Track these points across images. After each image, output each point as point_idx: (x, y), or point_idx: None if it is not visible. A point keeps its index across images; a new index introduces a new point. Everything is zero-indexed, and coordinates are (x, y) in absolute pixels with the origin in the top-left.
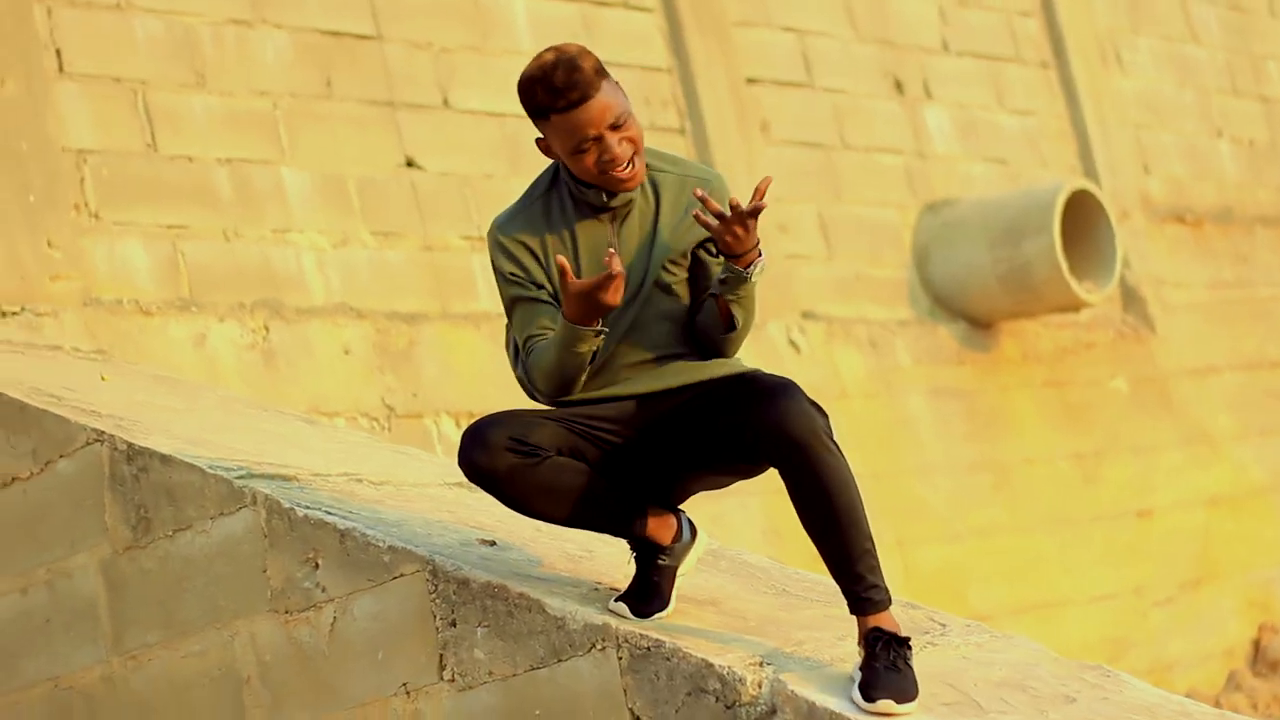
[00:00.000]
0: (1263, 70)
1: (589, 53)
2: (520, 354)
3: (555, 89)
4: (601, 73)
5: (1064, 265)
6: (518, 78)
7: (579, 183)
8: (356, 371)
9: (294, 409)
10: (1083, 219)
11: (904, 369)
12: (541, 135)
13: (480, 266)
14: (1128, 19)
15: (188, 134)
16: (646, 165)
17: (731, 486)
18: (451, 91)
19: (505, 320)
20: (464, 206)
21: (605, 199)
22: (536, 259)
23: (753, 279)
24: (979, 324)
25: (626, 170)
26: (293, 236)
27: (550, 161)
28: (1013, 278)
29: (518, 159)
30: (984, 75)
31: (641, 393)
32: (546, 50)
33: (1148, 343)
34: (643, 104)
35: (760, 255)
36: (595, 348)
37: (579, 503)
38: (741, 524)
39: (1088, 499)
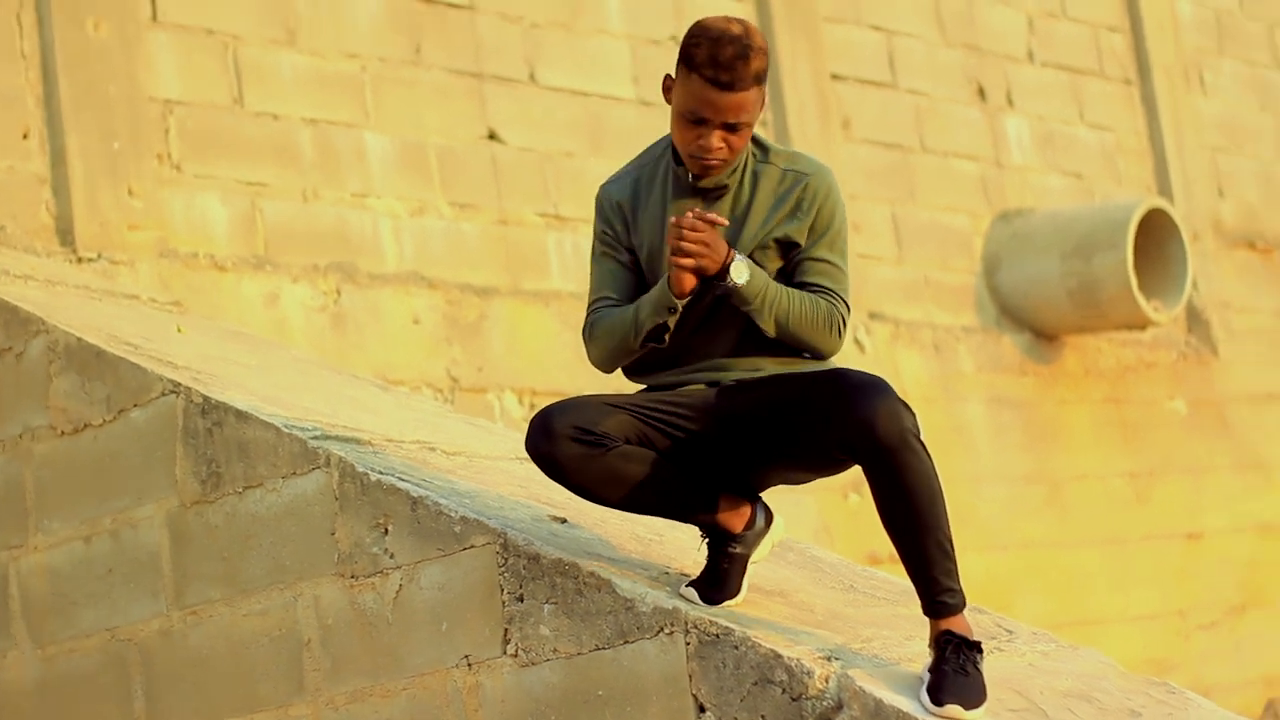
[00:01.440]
0: None
1: (766, 51)
2: (590, 309)
3: (716, 60)
4: (760, 79)
5: (1134, 283)
6: (693, 26)
7: (678, 159)
8: (424, 341)
9: (361, 375)
10: (1154, 238)
11: (965, 375)
12: (673, 76)
13: (554, 244)
14: (1213, 40)
15: (275, 91)
16: (756, 158)
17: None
18: (538, 67)
19: (576, 300)
20: (542, 183)
21: (692, 179)
22: (626, 224)
23: (730, 286)
24: (1043, 336)
25: (710, 162)
26: (371, 201)
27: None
28: (1081, 292)
29: (599, 138)
30: (1066, 88)
31: (722, 381)
32: (739, 20)
33: (1209, 366)
34: None
35: (728, 269)
36: (660, 322)
37: (646, 491)
38: (794, 520)
39: (1138, 518)
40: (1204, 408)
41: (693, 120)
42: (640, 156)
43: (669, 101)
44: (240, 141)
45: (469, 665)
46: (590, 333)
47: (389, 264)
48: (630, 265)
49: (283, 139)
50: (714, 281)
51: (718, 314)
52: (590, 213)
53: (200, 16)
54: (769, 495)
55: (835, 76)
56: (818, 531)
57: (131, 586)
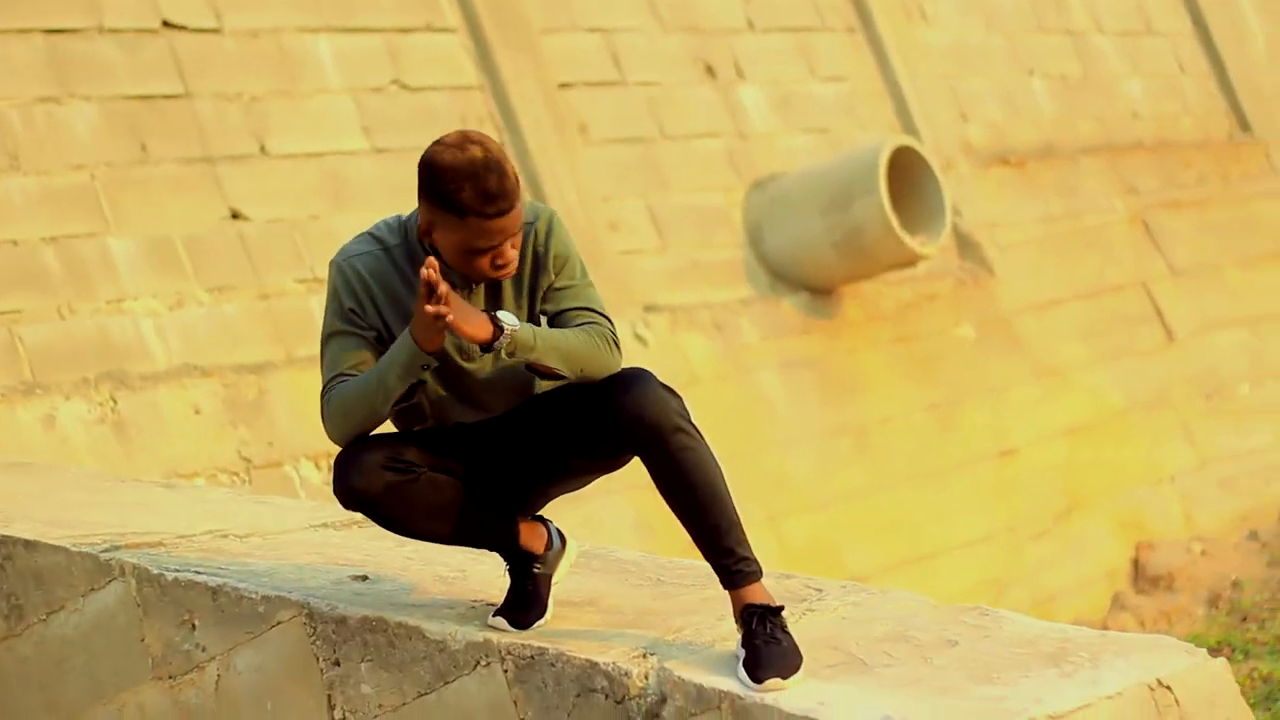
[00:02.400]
0: (1065, 5)
1: (503, 152)
2: (327, 387)
3: (488, 194)
4: (517, 180)
5: (895, 222)
6: (422, 158)
7: (430, 251)
8: (209, 429)
9: (152, 476)
10: (908, 175)
11: (752, 346)
12: (429, 223)
13: (318, 307)
14: None
15: (9, 217)
16: None
17: (595, 486)
18: (267, 138)
19: None
20: (294, 250)
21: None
22: (375, 304)
23: (502, 354)
24: (820, 292)
25: (509, 271)
26: (128, 305)
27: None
28: (846, 242)
29: (340, 196)
30: (793, 48)
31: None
32: (466, 140)
33: (988, 286)
34: (459, 123)
35: (502, 331)
36: (413, 382)
37: (457, 519)
38: (612, 522)
39: (949, 447)
40: (991, 327)
41: (481, 251)
42: (377, 234)
43: (425, 245)
44: None
45: None
46: (328, 407)
47: (159, 362)
48: (374, 344)
49: (27, 263)
50: (491, 343)
51: (492, 390)
52: None
53: None
54: (573, 505)
55: (564, 85)
56: (638, 528)
57: None
